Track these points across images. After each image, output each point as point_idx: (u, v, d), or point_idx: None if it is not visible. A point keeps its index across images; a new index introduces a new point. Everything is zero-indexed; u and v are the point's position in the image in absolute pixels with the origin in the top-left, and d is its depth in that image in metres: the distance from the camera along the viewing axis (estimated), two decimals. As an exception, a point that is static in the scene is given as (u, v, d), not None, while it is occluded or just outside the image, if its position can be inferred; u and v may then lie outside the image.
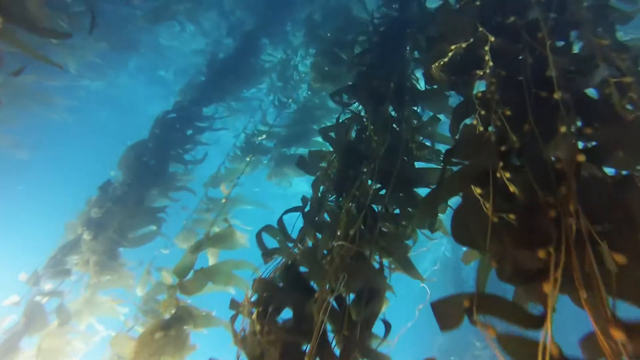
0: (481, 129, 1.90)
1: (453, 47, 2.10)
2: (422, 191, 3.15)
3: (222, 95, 8.10)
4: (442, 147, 3.35)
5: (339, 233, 2.53)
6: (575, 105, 1.76)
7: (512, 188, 1.57)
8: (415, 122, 3.48)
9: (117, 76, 12.99)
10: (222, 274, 3.24)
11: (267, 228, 2.97)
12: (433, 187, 2.35)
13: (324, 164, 3.36)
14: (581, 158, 1.49)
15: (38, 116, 6.57)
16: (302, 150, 6.74)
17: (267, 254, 2.73)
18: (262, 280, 2.43)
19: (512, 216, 1.51)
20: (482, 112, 1.96)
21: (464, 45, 2.09)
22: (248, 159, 6.30)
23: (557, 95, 1.83)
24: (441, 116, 3.34)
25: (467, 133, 1.95)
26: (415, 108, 3.60)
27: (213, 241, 3.68)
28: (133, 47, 8.68)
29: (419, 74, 4.36)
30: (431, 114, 3.46)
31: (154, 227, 4.96)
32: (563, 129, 1.63)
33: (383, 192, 2.96)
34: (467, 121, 2.20)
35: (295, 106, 7.56)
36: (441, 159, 3.22)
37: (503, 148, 1.71)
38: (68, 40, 7.15)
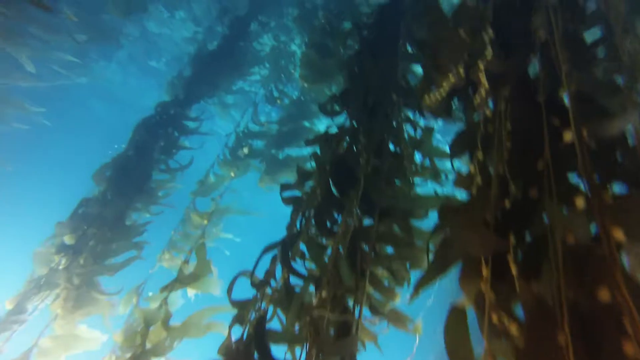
0: (479, 181, 1.42)
1: (448, 76, 1.59)
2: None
3: (213, 88, 7.57)
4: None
5: (318, 289, 2.10)
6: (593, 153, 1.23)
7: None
8: (412, 133, 3.00)
9: (106, 68, 12.47)
10: (195, 327, 2.85)
11: (242, 273, 2.55)
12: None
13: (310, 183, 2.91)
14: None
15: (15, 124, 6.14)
16: (296, 152, 6.26)
17: (239, 307, 2.32)
18: (227, 348, 2.04)
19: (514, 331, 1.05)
20: (480, 157, 1.48)
21: (460, 69, 1.57)
22: (236, 167, 5.86)
23: (568, 137, 1.30)
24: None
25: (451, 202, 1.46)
26: (411, 115, 3.11)
27: (183, 282, 3.30)
28: (115, 37, 8.10)
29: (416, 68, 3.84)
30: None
31: (134, 252, 4.57)
32: (580, 203, 1.11)
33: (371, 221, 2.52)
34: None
35: (288, 100, 7.03)
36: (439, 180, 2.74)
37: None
38: (41, 34, 6.69)
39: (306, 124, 6.40)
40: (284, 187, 2.73)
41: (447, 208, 1.44)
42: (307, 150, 6.30)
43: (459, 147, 1.69)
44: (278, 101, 7.10)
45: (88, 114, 14.54)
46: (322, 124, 6.46)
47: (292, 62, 8.43)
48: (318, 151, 3.05)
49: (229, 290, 2.39)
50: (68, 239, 4.45)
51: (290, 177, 5.90)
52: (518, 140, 1.44)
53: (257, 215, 6.28)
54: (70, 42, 6.82)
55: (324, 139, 3.04)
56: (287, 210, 2.91)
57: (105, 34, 7.19)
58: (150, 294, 4.33)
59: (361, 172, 2.62)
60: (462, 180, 1.51)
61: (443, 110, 1.70)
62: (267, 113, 8.71)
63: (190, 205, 5.82)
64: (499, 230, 1.21)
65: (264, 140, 6.38)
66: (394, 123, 2.94)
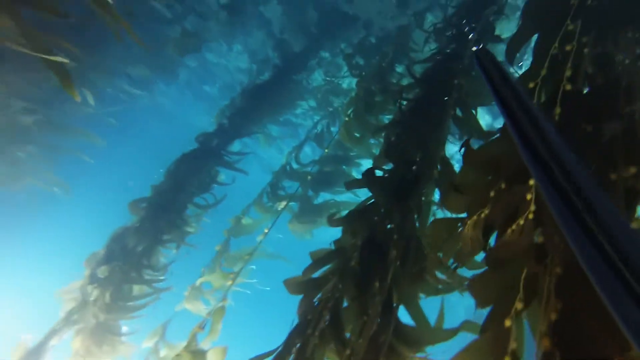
0: None
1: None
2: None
3: (260, 119, 7.63)
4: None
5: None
6: None
7: None
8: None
9: (165, 91, 13.22)
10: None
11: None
12: None
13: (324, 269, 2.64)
14: None
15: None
16: (329, 197, 6.04)
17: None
18: None
19: None
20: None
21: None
22: (272, 210, 5.74)
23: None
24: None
25: None
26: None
27: (191, 353, 3.12)
28: (174, 70, 8.52)
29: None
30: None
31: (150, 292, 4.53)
32: None
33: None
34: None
35: (331, 140, 6.88)
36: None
37: None
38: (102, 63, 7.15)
39: (345, 168, 6.19)
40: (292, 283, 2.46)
41: None
42: (342, 197, 6.06)
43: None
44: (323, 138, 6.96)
45: (144, 134, 15.45)
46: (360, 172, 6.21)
47: (339, 98, 8.35)
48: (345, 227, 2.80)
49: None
50: (101, 272, 4.51)
51: (319, 224, 5.68)
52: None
53: (288, 262, 6.08)
54: (136, 70, 7.23)
55: (353, 218, 2.79)
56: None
57: (165, 68, 7.57)
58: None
59: (390, 265, 2.33)
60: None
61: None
62: (306, 153, 8.60)
63: (224, 245, 5.76)
64: None
65: (299, 182, 6.24)
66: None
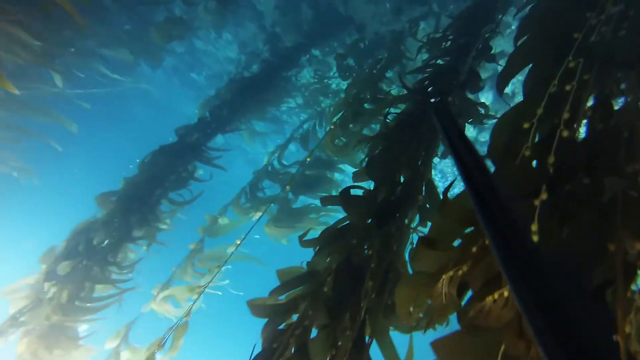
0: None
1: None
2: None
3: (245, 114, 7.39)
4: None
5: None
6: None
7: None
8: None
9: (151, 74, 12.77)
10: None
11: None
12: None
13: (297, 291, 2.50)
14: None
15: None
16: (309, 200, 5.89)
17: None
18: None
19: None
20: None
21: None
22: (251, 210, 5.55)
23: None
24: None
25: None
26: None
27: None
28: (159, 56, 8.15)
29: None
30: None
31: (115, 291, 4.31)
32: None
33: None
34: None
35: (316, 143, 6.71)
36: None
37: None
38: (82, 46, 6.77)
39: (328, 173, 6.04)
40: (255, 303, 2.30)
41: None
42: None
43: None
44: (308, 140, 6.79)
45: (129, 118, 14.92)
46: (346, 177, 6.09)
47: (328, 98, 8.18)
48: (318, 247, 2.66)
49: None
50: (62, 269, 4.24)
51: (297, 230, 5.53)
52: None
53: (263, 264, 5.92)
54: (118, 54, 6.86)
55: (328, 239, 2.65)
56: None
57: (149, 53, 7.22)
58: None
59: (366, 295, 2.20)
60: None
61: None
62: (290, 151, 8.43)
63: (198, 244, 5.56)
64: None
65: (280, 184, 6.07)
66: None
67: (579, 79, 1.65)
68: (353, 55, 6.64)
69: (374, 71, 4.51)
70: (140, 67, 11.88)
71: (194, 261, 5.37)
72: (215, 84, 12.30)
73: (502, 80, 2.37)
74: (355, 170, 3.26)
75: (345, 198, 2.80)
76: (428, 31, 6.35)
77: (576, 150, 1.43)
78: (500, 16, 4.24)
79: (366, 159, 3.23)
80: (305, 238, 2.77)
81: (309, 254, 2.82)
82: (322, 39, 8.03)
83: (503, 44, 6.39)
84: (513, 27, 6.02)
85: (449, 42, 4.18)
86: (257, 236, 6.33)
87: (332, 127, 4.08)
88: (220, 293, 5.53)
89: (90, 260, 4.23)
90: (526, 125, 1.57)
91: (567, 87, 1.63)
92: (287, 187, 5.82)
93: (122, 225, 4.87)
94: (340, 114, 4.46)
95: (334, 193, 6.13)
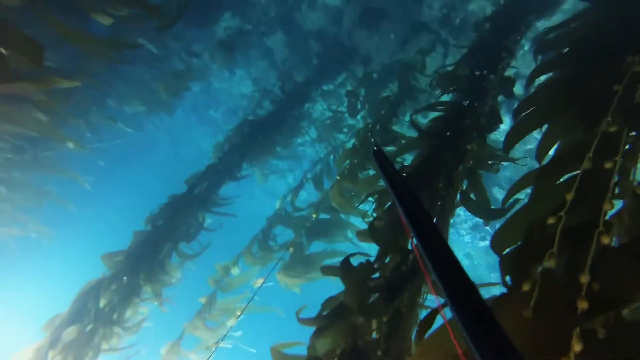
0: None
1: None
2: None
3: (255, 156, 7.25)
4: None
5: None
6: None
7: None
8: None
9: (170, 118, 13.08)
10: None
11: None
12: None
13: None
14: None
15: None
16: (323, 246, 5.57)
17: None
18: None
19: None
20: None
21: None
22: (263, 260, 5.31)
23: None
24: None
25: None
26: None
27: None
28: (169, 106, 8.22)
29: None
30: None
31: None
32: None
33: None
34: None
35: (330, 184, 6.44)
36: None
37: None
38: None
39: (343, 216, 5.73)
40: None
41: None
42: (337, 248, 5.57)
43: None
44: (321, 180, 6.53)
45: (152, 161, 15.28)
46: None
47: (341, 134, 7.96)
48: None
49: None
50: (67, 334, 4.08)
51: (309, 279, 5.20)
52: None
53: (278, 312, 5.62)
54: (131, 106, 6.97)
55: (331, 317, 2.33)
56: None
57: (160, 105, 7.29)
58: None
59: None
60: None
61: None
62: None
63: (210, 298, 5.34)
64: None
65: (293, 229, 5.81)
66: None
67: (624, 150, 1.27)
68: (363, 90, 6.44)
69: (382, 112, 4.23)
70: (152, 119, 12.20)
71: (205, 315, 5.13)
72: (231, 119, 12.42)
73: (509, 142, 2.04)
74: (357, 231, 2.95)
75: (345, 269, 2.49)
76: (437, 59, 6.08)
77: (616, 263, 1.05)
78: (516, 45, 3.92)
79: (373, 220, 2.90)
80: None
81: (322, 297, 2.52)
82: (331, 72, 7.90)
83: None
84: (526, 48, 5.63)
85: (464, 79, 3.86)
86: (271, 283, 6.06)
87: (338, 177, 3.80)
88: (230, 346, 5.23)
89: (98, 322, 4.06)
90: (552, 220, 1.20)
91: (608, 165, 1.25)
92: (306, 225, 5.55)
93: (130, 282, 4.71)
94: (348, 161, 4.19)
95: (349, 235, 5.80)
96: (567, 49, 2.12)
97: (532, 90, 1.93)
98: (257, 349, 5.25)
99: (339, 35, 7.32)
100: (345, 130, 7.84)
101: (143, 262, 4.90)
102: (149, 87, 7.05)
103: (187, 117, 13.12)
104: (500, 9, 4.29)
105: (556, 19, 5.30)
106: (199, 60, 7.57)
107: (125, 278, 4.78)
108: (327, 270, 2.78)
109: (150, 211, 5.49)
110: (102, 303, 4.41)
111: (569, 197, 1.30)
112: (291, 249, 5.51)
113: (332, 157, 7.04)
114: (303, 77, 8.40)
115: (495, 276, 9.59)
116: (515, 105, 2.17)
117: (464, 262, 10.19)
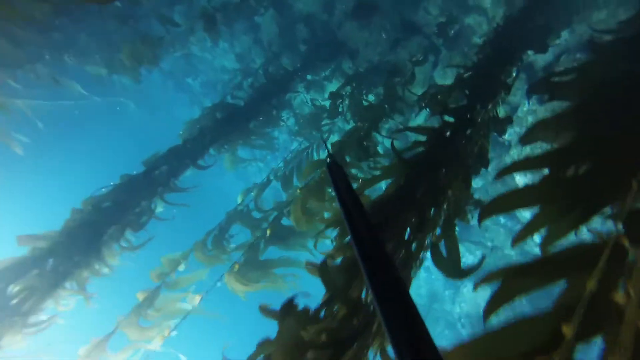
0: None
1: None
2: None
3: (227, 141, 6.72)
4: None
5: None
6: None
7: None
8: None
9: (147, 76, 12.19)
10: None
11: None
12: None
13: None
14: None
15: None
16: (279, 254, 5.21)
17: None
18: None
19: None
20: None
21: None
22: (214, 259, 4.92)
23: None
24: None
25: None
26: None
27: None
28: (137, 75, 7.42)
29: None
30: None
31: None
32: None
33: None
34: None
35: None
36: None
37: None
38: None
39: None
40: None
41: None
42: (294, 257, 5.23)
43: None
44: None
45: (122, 118, 14.38)
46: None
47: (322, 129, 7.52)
48: None
49: None
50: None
51: (259, 287, 4.86)
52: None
53: (222, 318, 5.28)
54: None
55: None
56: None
57: (126, 69, 6.58)
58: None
59: None
60: None
61: None
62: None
63: (150, 294, 4.92)
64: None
65: (251, 229, 5.42)
66: None
67: None
68: (349, 89, 6.00)
69: (362, 131, 3.83)
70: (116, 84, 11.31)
71: (141, 314, 4.72)
72: (209, 92, 11.72)
73: (483, 214, 1.73)
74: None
75: (285, 314, 2.15)
76: (425, 67, 5.69)
77: None
78: (512, 79, 3.58)
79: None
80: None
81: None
82: (318, 62, 7.40)
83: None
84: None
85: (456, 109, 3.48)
86: (219, 284, 5.69)
87: (299, 191, 3.39)
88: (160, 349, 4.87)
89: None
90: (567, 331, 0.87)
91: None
92: (267, 232, 5.18)
93: (56, 269, 4.23)
94: (317, 171, 3.78)
95: (310, 245, 5.47)
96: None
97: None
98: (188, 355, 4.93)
99: (330, 22, 6.81)
100: (325, 128, 7.40)
101: (74, 248, 4.41)
102: (117, 48, 6.35)
103: (164, 80, 12.29)
104: (498, 32, 3.92)
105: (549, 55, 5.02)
106: (178, 29, 6.88)
107: (50, 260, 4.29)
108: (266, 313, 2.43)
109: (97, 189, 4.97)
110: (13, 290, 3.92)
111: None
112: (246, 251, 5.14)
113: (305, 154, 6.63)
114: (288, 62, 7.86)
115: (449, 293, 9.57)
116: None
117: (421, 275, 10.13)
